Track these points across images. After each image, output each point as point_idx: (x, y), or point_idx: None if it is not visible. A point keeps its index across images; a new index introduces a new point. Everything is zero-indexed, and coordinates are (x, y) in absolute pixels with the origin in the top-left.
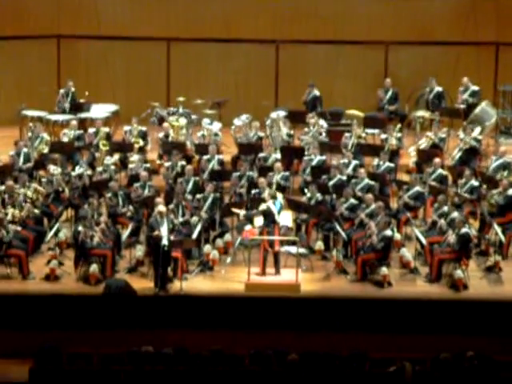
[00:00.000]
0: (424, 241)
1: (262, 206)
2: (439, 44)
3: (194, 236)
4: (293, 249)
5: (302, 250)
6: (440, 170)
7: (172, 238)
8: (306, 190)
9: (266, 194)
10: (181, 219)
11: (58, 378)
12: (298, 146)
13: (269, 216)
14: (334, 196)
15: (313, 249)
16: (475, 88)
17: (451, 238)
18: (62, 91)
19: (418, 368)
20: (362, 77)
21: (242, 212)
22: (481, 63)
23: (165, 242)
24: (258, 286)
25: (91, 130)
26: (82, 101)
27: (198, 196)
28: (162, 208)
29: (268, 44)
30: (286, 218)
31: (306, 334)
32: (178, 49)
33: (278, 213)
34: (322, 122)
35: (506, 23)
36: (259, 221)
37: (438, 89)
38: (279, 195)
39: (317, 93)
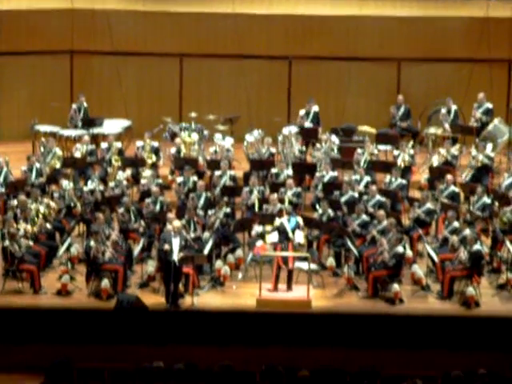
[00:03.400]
0: (436, 258)
1: (276, 223)
2: (452, 61)
3: (206, 252)
4: (304, 265)
5: (314, 267)
6: (452, 187)
7: (183, 253)
8: (317, 207)
9: (282, 210)
10: (192, 235)
11: None
12: (309, 162)
13: (282, 233)
14: (346, 212)
15: (324, 265)
16: (489, 105)
17: (463, 255)
18: (74, 106)
19: None
20: (375, 93)
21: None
22: (493, 80)
23: (174, 257)
24: (269, 301)
25: (104, 146)
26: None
27: (210, 212)
28: (176, 223)
29: (280, 60)
30: (297, 235)
31: (316, 350)
32: (190, 64)
33: (294, 230)
34: (334, 139)
35: None
36: (272, 237)
37: (454, 107)
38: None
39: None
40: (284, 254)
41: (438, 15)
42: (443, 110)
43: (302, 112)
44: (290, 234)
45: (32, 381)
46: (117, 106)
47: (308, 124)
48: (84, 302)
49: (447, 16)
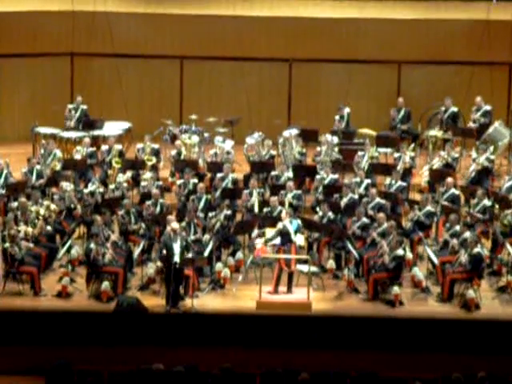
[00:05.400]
0: (436, 260)
1: (279, 225)
2: (452, 64)
3: (206, 254)
4: (304, 267)
5: (314, 269)
6: (452, 190)
7: (184, 256)
8: (317, 209)
9: (283, 213)
10: (192, 237)
11: None
12: (310, 164)
13: (285, 235)
14: (346, 214)
15: (324, 267)
16: (487, 108)
17: (463, 257)
18: (70, 106)
19: None
20: (375, 96)
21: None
22: (494, 83)
23: (176, 259)
24: (269, 304)
25: (104, 148)
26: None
27: (210, 214)
28: (175, 225)
29: (281, 62)
30: (298, 237)
31: (317, 353)
32: (191, 67)
33: (296, 233)
34: (333, 139)
35: None
36: (274, 240)
37: (454, 109)
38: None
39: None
40: (284, 256)
41: (438, 18)
42: (442, 108)
43: (337, 117)
44: (293, 237)
45: (32, 383)
46: (117, 108)
47: (343, 125)
48: (84, 304)
49: (448, 18)
